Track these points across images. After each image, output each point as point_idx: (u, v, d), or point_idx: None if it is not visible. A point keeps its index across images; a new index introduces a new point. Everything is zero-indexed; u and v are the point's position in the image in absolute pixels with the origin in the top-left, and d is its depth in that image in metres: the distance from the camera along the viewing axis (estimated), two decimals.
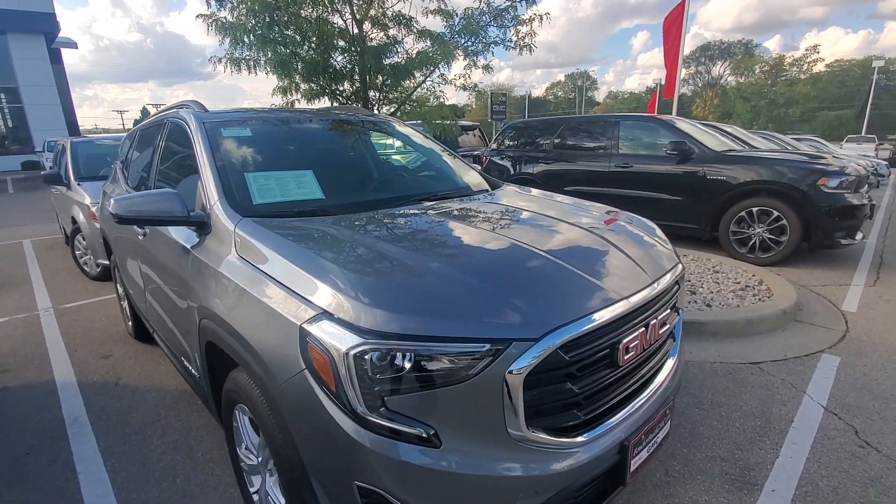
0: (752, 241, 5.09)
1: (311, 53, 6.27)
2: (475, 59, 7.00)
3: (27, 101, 23.26)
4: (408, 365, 1.13)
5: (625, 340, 1.36)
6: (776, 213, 4.91)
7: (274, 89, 6.93)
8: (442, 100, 7.12)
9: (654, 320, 1.49)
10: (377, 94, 7.26)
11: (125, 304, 3.64)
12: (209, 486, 2.07)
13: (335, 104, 7.14)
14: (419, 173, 2.75)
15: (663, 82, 12.95)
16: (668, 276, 1.65)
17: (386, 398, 1.13)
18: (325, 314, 1.21)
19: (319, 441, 1.21)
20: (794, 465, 2.05)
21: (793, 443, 2.20)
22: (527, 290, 1.33)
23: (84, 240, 5.31)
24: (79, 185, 5.54)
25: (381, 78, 6.91)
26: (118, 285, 3.83)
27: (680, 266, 1.80)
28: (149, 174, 2.78)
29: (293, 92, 6.81)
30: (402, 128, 3.07)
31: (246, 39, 6.14)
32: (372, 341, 1.12)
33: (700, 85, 63.80)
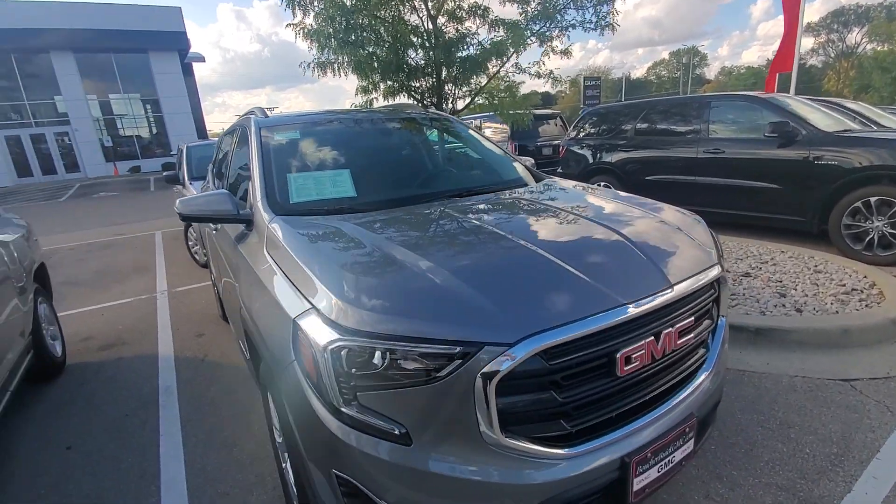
0: (870, 237, 4.34)
1: (386, 53, 6.48)
2: (551, 44, 6.76)
3: (165, 110, 26.97)
4: (380, 363, 1.17)
5: (624, 350, 1.26)
6: None
7: (356, 89, 7.32)
8: (515, 90, 6.97)
9: (670, 329, 1.36)
10: (453, 88, 7.33)
11: (215, 289, 4.14)
12: (258, 457, 2.30)
13: (412, 100, 7.35)
14: (457, 169, 2.75)
15: (772, 56, 11.41)
16: (694, 279, 1.49)
17: (359, 394, 1.19)
18: (314, 309, 1.29)
19: (309, 428, 1.30)
20: None
21: (873, 477, 1.88)
22: (513, 291, 1.30)
23: (193, 233, 6.09)
24: (191, 184, 6.35)
25: (453, 71, 6.95)
26: (211, 272, 4.35)
27: (716, 269, 1.61)
28: (226, 175, 3.12)
29: (373, 90, 7.13)
30: (450, 123, 3.09)
31: (330, 44, 6.54)
32: (347, 338, 1.18)
33: (832, 55, 54.85)
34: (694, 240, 1.74)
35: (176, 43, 26.27)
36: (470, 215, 1.88)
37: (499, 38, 6.45)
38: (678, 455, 1.43)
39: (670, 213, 2.00)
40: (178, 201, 2.17)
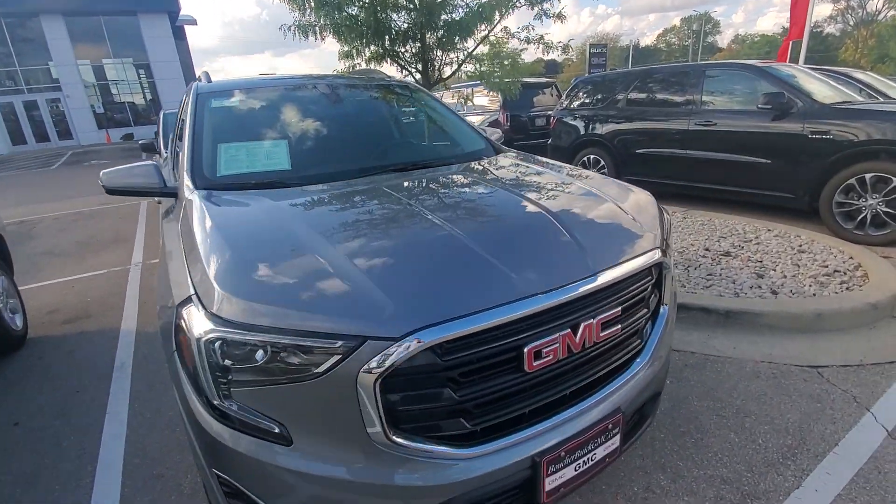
0: (863, 215, 4.16)
1: (366, 15, 6.17)
2: (541, 6, 6.42)
3: (157, 75, 26.34)
4: (256, 357, 1.06)
5: (533, 345, 1.15)
6: None
7: (338, 53, 7.01)
8: (517, 56, 6.62)
9: (591, 320, 1.24)
10: (440, 54, 7.03)
11: None
12: None
13: (397, 67, 7.06)
14: (408, 141, 2.58)
15: (787, 24, 10.87)
16: (625, 266, 1.36)
17: (234, 389, 1.08)
18: (196, 297, 1.17)
19: (192, 423, 1.20)
20: (818, 502, 1.67)
21: (826, 472, 1.79)
22: (412, 280, 1.17)
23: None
24: (166, 152, 6.18)
25: (436, 36, 6.64)
26: None
27: (655, 253, 1.47)
28: (171, 144, 2.96)
29: (357, 56, 6.84)
30: (411, 93, 2.90)
31: (308, 3, 6.22)
32: (221, 329, 1.07)
33: (851, 23, 52.62)
34: (636, 220, 1.59)
35: (165, 4, 25.44)
36: (400, 193, 1.73)
37: (484, 0, 6.12)
38: (600, 452, 1.34)
39: (617, 189, 1.85)
40: (102, 173, 2.03)
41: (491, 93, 8.82)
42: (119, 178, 1.98)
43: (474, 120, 9.31)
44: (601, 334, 1.27)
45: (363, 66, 6.93)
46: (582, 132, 6.75)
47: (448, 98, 9.83)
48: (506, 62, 6.58)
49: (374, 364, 1.02)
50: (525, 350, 1.14)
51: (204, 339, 1.08)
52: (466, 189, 1.87)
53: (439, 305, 1.10)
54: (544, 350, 1.16)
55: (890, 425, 2.00)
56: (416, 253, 1.30)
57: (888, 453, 1.86)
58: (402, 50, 6.90)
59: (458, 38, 6.42)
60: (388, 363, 1.02)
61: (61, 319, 3.85)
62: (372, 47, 6.63)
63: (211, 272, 1.19)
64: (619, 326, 1.33)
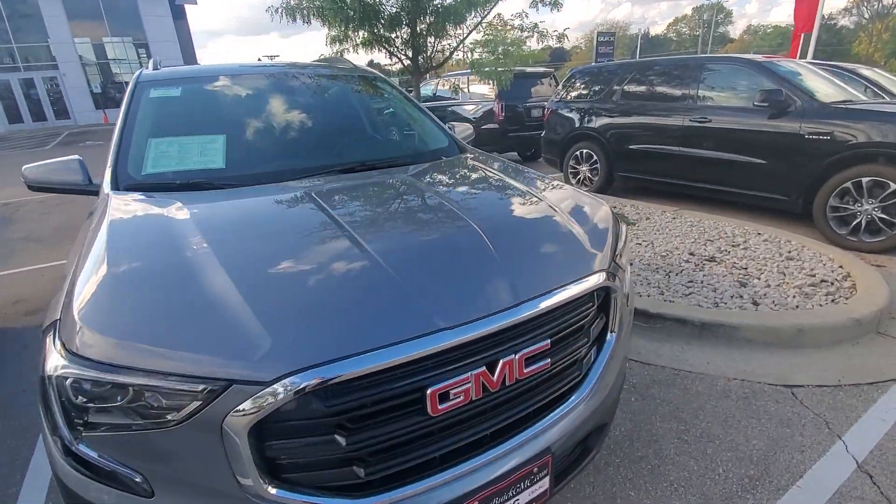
0: (857, 221, 3.99)
1: None
2: None
3: (156, 55, 26.00)
4: (113, 399, 0.93)
5: (438, 386, 1.01)
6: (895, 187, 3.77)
7: (326, 38, 6.79)
8: (521, 44, 6.37)
9: (513, 356, 1.10)
10: (433, 41, 6.80)
11: None
12: None
13: (386, 53, 6.84)
14: (360, 138, 2.41)
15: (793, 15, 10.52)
16: (559, 294, 1.21)
17: (88, 433, 0.96)
18: (59, 324, 1.04)
19: (51, 463, 1.08)
20: None
21: None
22: (299, 312, 1.04)
23: None
24: None
25: (426, 22, 6.41)
26: None
27: (601, 276, 1.33)
28: None
29: (346, 41, 6.62)
30: (376, 84, 2.73)
31: None
32: (74, 367, 0.95)
33: (866, 16, 51.34)
34: (583, 238, 1.44)
35: None
36: (328, 201, 1.57)
37: None
38: (525, 497, 1.21)
39: (570, 202, 1.70)
40: (24, 167, 1.89)
41: (489, 82, 8.56)
42: (42, 172, 1.84)
43: (468, 108, 9.12)
44: (526, 370, 1.14)
45: (351, 52, 6.72)
46: (576, 125, 6.55)
47: (442, 87, 9.60)
48: (499, 50, 6.37)
49: (243, 409, 0.89)
50: (428, 392, 1.00)
51: (55, 375, 0.95)
52: (401, 198, 1.71)
53: (325, 343, 0.97)
54: (452, 392, 1.03)
55: (861, 456, 1.88)
56: (316, 279, 1.16)
57: (854, 488, 1.73)
58: (394, 36, 6.68)
59: (449, 24, 6.19)
60: (259, 409, 0.89)
61: (24, 310, 3.74)
62: (362, 32, 6.41)
63: (77, 298, 1.06)
64: (549, 361, 1.19)
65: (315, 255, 1.28)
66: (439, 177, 1.96)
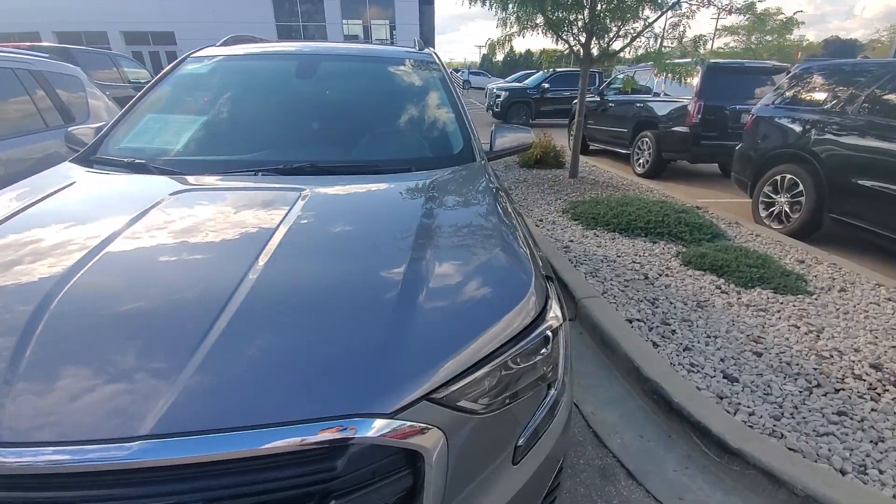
0: None
1: None
2: None
3: (399, 38, 29.47)
4: None
5: None
6: None
7: (497, 21, 6.50)
8: (764, 18, 5.13)
9: None
10: (619, 25, 5.87)
11: None
12: None
13: (555, 37, 6.17)
14: (355, 134, 1.97)
15: None
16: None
17: None
18: None
19: None
20: None
21: None
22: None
23: None
24: None
25: (612, 3, 5.52)
26: None
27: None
28: None
29: (513, 25, 6.25)
30: (419, 69, 2.32)
31: None
32: None
33: None
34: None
35: None
36: (261, 214, 1.31)
37: None
38: None
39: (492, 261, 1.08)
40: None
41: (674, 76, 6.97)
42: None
43: (670, 102, 7.60)
44: None
45: (517, 35, 6.28)
46: (782, 140, 4.86)
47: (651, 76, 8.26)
48: (751, 38, 5.21)
49: None
50: None
51: None
52: (323, 228, 1.31)
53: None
54: None
55: None
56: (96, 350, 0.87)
57: None
58: (573, 18, 5.98)
59: (618, 15, 5.31)
60: None
61: None
62: (528, 8, 5.87)
63: None
64: None
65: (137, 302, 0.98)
66: (396, 197, 1.54)
